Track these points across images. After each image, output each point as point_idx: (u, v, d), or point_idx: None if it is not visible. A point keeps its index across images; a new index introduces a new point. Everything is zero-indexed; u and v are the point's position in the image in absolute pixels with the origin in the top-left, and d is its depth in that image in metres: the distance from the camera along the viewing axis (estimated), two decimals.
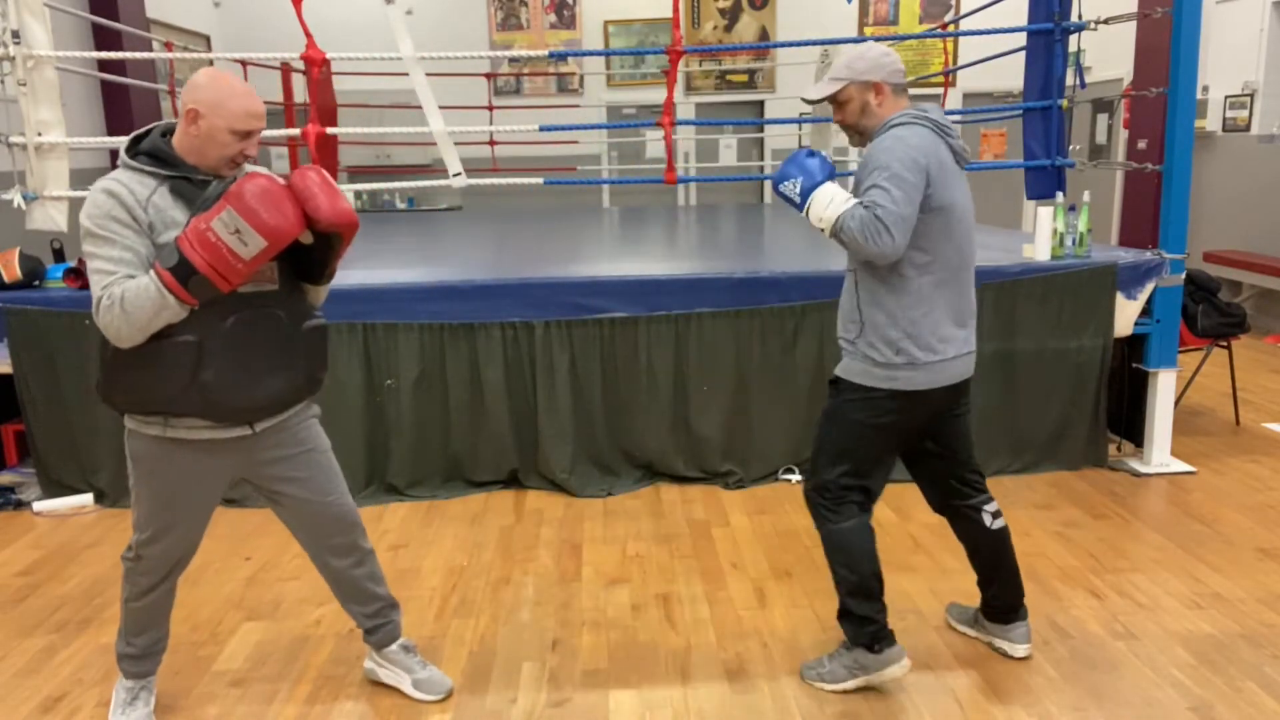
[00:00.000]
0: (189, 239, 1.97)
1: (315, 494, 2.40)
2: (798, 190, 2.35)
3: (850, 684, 2.52)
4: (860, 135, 2.43)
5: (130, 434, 2.23)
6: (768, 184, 9.93)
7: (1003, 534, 2.62)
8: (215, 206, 1.99)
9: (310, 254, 2.21)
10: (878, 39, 9.14)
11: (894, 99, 2.39)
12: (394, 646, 2.59)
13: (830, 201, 2.30)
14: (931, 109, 2.38)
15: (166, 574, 2.35)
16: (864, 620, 2.48)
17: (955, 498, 2.62)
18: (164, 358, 2.07)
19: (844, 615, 2.52)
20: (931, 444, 2.56)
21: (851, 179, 2.41)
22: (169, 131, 2.15)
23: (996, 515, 2.61)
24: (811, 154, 2.40)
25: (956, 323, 2.41)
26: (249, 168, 2.21)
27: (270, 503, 2.43)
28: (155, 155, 2.10)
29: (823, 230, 2.32)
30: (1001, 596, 2.67)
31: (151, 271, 1.99)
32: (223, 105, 2.07)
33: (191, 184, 2.10)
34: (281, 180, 2.06)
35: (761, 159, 9.90)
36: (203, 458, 2.22)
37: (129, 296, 1.98)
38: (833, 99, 2.41)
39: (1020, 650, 2.67)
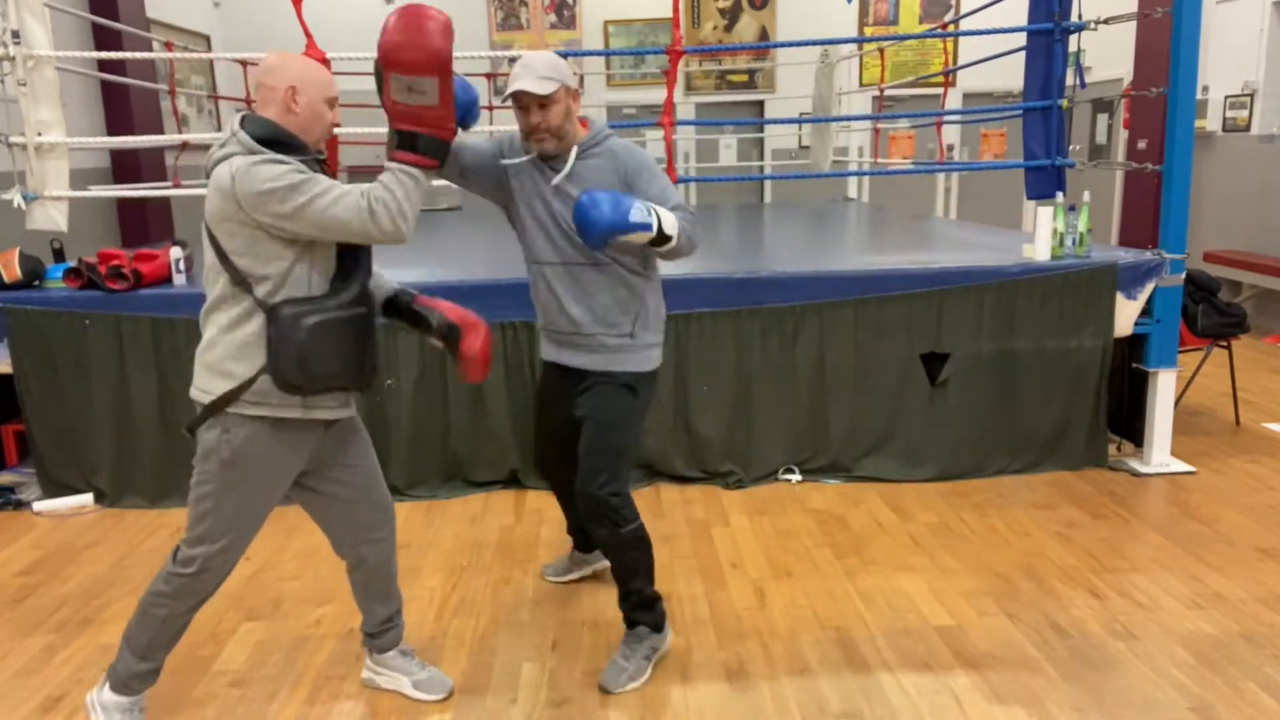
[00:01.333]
0: (392, 119, 2.07)
1: (368, 482, 2.43)
2: (647, 212, 2.35)
3: (649, 671, 2.64)
4: (559, 140, 2.48)
5: (235, 430, 2.12)
6: (768, 184, 9.94)
7: None
8: (383, 86, 2.08)
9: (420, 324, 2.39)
10: (878, 39, 9.15)
11: (578, 108, 2.57)
12: (393, 651, 2.59)
13: (668, 214, 2.40)
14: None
15: (217, 586, 2.29)
16: (656, 602, 2.68)
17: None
18: (356, 327, 2.15)
19: (643, 606, 2.65)
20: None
21: (646, 174, 2.50)
22: (254, 120, 2.13)
23: None
24: (595, 194, 2.36)
25: None
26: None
27: (315, 498, 2.38)
28: (281, 140, 2.09)
29: (671, 239, 2.39)
30: (582, 528, 3.04)
31: (387, 165, 2.07)
32: (312, 76, 2.12)
33: (318, 165, 2.16)
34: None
35: (761, 159, 9.89)
36: (305, 443, 2.23)
37: (389, 195, 2.04)
38: (541, 100, 2.41)
39: (601, 565, 3.10)
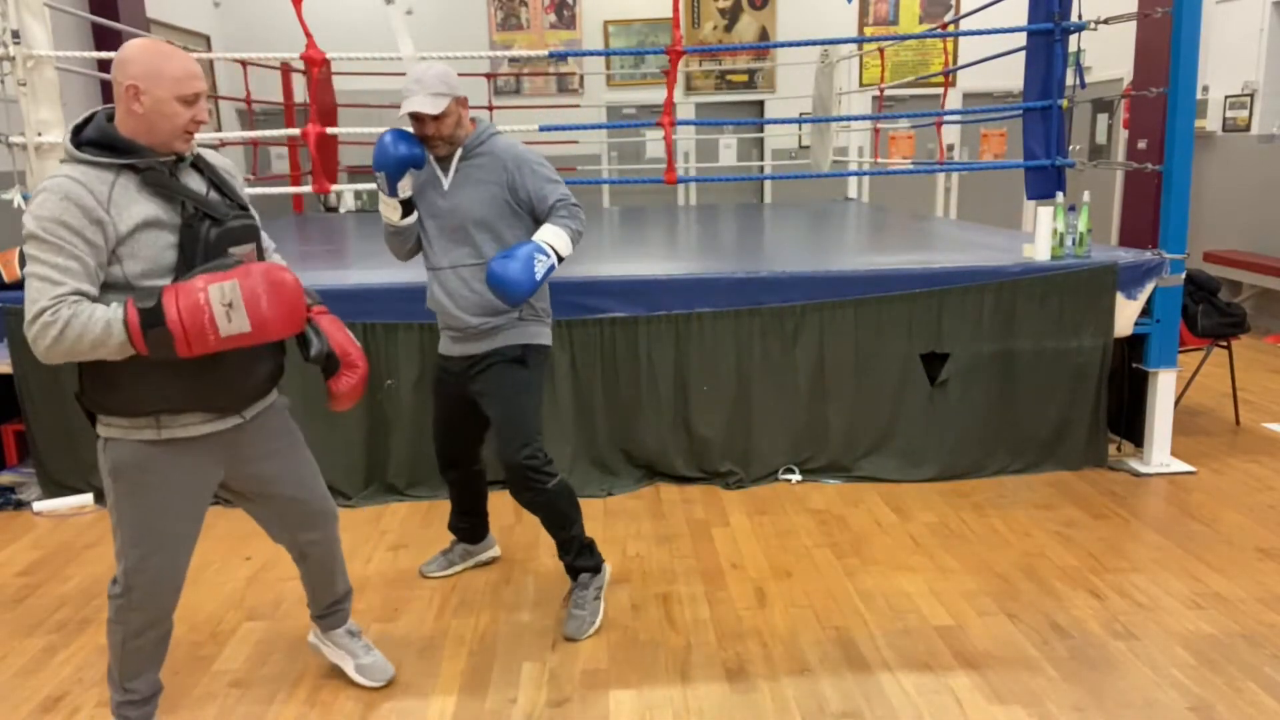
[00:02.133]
0: (175, 291, 1.87)
1: (298, 488, 2.35)
2: (545, 256, 2.57)
3: (601, 607, 2.92)
4: (451, 144, 2.71)
5: (109, 445, 2.08)
6: (768, 184, 9.94)
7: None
8: (223, 273, 1.90)
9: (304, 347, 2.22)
10: (878, 39, 9.15)
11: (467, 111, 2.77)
12: (341, 630, 2.64)
13: (555, 233, 2.63)
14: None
15: (162, 605, 2.20)
16: (591, 545, 2.94)
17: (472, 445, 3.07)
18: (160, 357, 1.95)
19: (582, 553, 2.91)
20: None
21: (528, 167, 2.72)
22: (112, 116, 1.99)
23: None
24: (505, 254, 2.57)
25: None
26: (201, 151, 2.12)
27: (248, 501, 2.33)
28: (105, 144, 1.94)
29: (567, 252, 2.64)
30: (475, 523, 3.26)
31: (120, 305, 1.87)
32: (160, 73, 1.92)
33: (153, 170, 1.96)
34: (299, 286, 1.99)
35: (761, 159, 9.90)
36: (194, 459, 2.11)
37: (75, 325, 1.84)
38: (434, 115, 2.64)
39: (495, 551, 3.35)
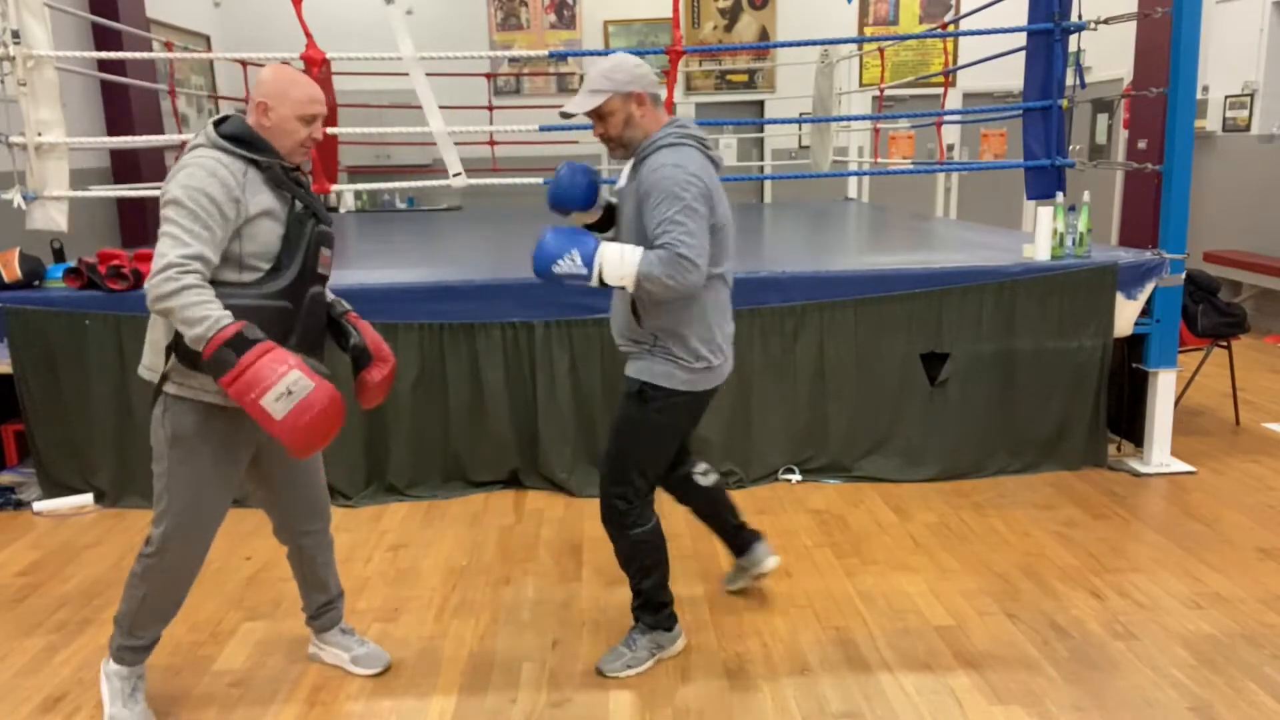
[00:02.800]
0: (270, 349, 2.06)
1: (307, 478, 2.53)
2: (580, 262, 2.31)
3: (649, 663, 2.67)
4: (624, 148, 2.45)
5: (173, 408, 2.23)
6: (768, 184, 9.94)
7: (719, 485, 2.94)
8: (310, 373, 2.08)
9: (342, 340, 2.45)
10: (878, 39, 9.14)
11: (654, 110, 2.44)
12: (334, 630, 2.72)
13: (621, 258, 2.30)
14: (689, 123, 2.44)
15: (190, 568, 2.37)
16: (663, 605, 2.68)
17: (677, 468, 2.83)
18: (266, 317, 2.16)
19: (648, 608, 2.67)
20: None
21: (656, 198, 2.31)
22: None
23: (706, 473, 2.89)
24: (558, 230, 2.35)
25: (730, 326, 2.60)
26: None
27: (259, 485, 2.49)
28: (245, 139, 2.20)
29: (623, 287, 2.32)
30: (737, 528, 2.97)
31: (229, 318, 2.06)
32: (287, 94, 2.22)
33: (280, 169, 2.24)
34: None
35: (761, 159, 9.89)
36: (245, 427, 2.28)
37: (188, 297, 2.04)
38: (595, 112, 2.41)
39: (771, 563, 2.98)
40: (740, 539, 2.99)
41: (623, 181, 2.53)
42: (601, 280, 2.32)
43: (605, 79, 2.37)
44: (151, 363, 2.29)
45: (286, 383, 2.04)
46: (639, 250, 2.30)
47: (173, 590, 2.38)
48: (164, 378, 2.25)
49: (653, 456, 2.59)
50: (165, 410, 2.26)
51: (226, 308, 2.09)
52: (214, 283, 2.13)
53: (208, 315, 2.05)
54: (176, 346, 2.18)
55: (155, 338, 2.27)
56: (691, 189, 2.29)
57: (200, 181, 2.10)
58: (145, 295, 2.09)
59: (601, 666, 2.65)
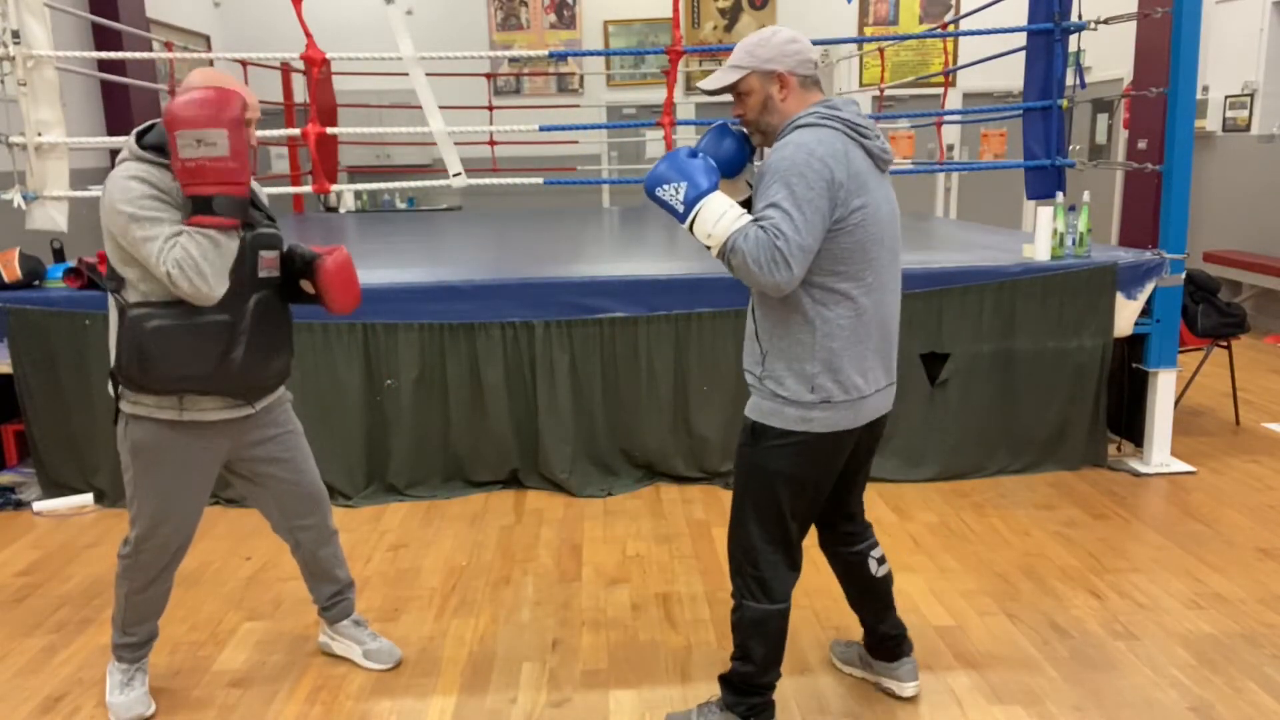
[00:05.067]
0: (184, 184, 2.07)
1: (295, 474, 2.53)
2: (681, 198, 2.01)
3: None
4: (763, 134, 2.18)
5: (131, 424, 2.27)
6: None
7: (888, 579, 2.45)
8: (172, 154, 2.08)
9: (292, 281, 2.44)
10: (878, 39, 9.14)
11: (801, 93, 2.12)
12: (346, 621, 2.73)
13: (721, 216, 1.98)
14: (844, 105, 2.10)
15: (165, 566, 2.42)
16: (752, 691, 2.25)
17: (840, 544, 2.41)
18: (201, 335, 2.18)
19: (731, 683, 2.27)
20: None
21: (769, 179, 2.02)
22: None
23: (881, 561, 2.42)
24: (693, 153, 2.07)
25: (878, 352, 2.12)
26: None
27: (248, 485, 2.51)
28: (165, 148, 2.16)
29: (709, 248, 2.02)
30: (887, 635, 2.48)
31: (184, 231, 2.09)
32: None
33: None
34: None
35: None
36: (206, 440, 2.32)
37: (185, 255, 2.06)
38: (733, 90, 2.14)
39: (908, 689, 2.48)
40: (889, 647, 2.50)
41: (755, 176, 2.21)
42: (692, 227, 2.02)
43: (747, 54, 2.09)
44: (107, 381, 2.33)
45: (191, 152, 2.05)
46: (745, 218, 1.98)
47: (152, 584, 2.42)
48: (117, 396, 2.28)
49: (769, 511, 2.14)
50: (125, 425, 2.29)
51: (156, 329, 2.12)
52: (141, 304, 2.15)
53: (187, 243, 2.08)
54: (119, 370, 2.21)
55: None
56: (811, 173, 1.95)
57: (135, 190, 2.10)
58: (188, 292, 2.09)
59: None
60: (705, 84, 2.18)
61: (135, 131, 2.21)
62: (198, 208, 2.08)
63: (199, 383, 2.23)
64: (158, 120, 2.22)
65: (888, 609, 2.47)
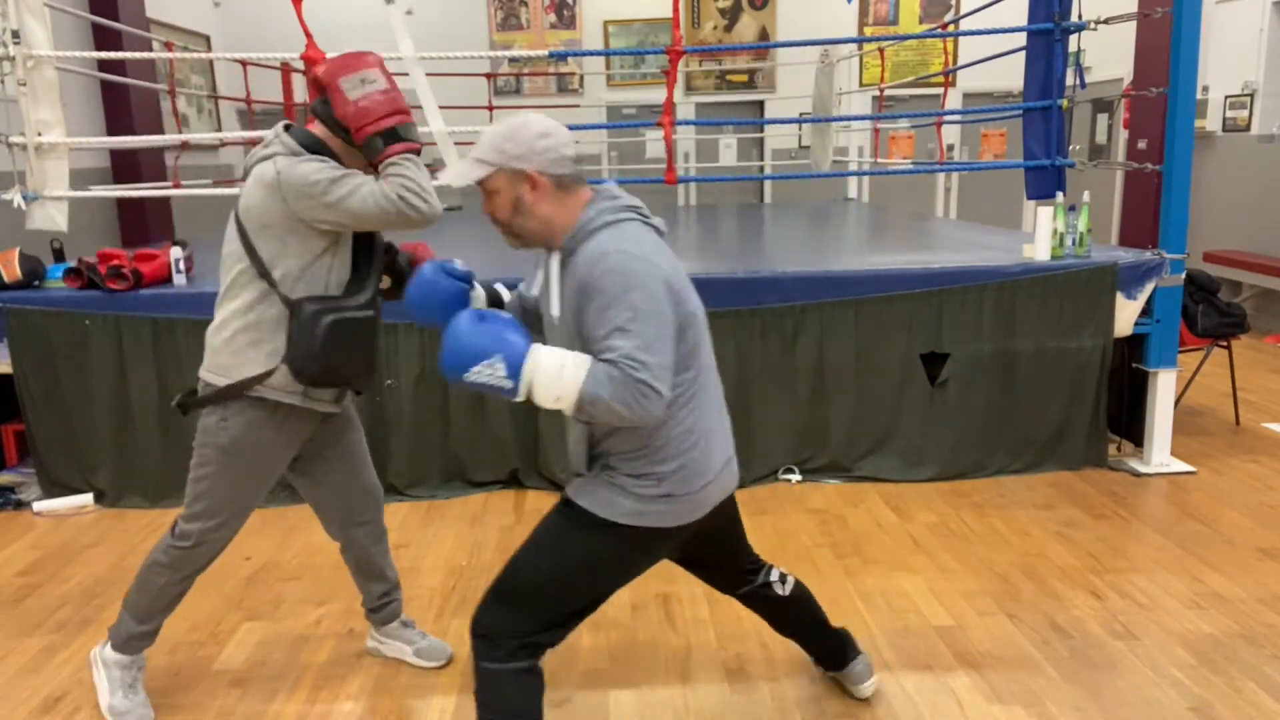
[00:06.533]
0: (360, 126, 2.13)
1: (355, 469, 2.54)
2: (503, 372, 1.74)
3: None
4: (518, 237, 1.92)
5: (233, 418, 2.24)
6: (768, 184, 9.94)
7: (797, 594, 2.35)
8: (335, 107, 2.16)
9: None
10: (878, 39, 9.15)
11: (558, 194, 1.87)
12: (395, 623, 2.73)
13: (560, 370, 1.73)
14: (620, 192, 1.92)
15: (212, 559, 2.44)
16: None
17: (740, 586, 2.33)
18: (366, 328, 2.25)
19: None
20: (706, 558, 2.26)
21: (602, 300, 1.75)
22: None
23: (783, 579, 2.34)
24: (480, 316, 1.79)
25: (720, 431, 2.04)
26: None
27: (308, 481, 2.52)
28: (320, 153, 2.21)
29: (559, 408, 1.76)
30: (827, 646, 2.45)
31: (384, 166, 2.15)
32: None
33: None
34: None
35: (761, 159, 9.90)
36: (299, 431, 2.34)
37: (406, 179, 2.12)
38: (482, 185, 1.90)
39: (866, 689, 2.46)
40: (830, 656, 2.48)
41: (540, 281, 2.02)
42: (532, 394, 1.76)
43: (494, 148, 1.86)
44: (221, 368, 2.24)
45: (359, 92, 2.13)
46: (585, 362, 1.74)
47: (189, 579, 2.44)
48: (241, 386, 2.22)
49: (554, 590, 1.94)
50: (223, 420, 2.25)
51: (333, 322, 2.18)
52: (310, 299, 2.19)
53: (395, 173, 2.15)
54: (293, 363, 2.20)
55: (224, 341, 2.23)
56: (649, 283, 1.75)
57: (312, 163, 2.16)
58: (424, 210, 2.15)
59: None
60: (449, 178, 1.93)
61: (282, 125, 2.24)
62: (386, 140, 2.13)
63: (360, 377, 2.30)
64: (289, 122, 2.27)
65: (817, 621, 2.41)
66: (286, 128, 2.23)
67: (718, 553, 2.26)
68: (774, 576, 2.33)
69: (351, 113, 2.12)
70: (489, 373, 1.74)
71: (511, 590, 1.94)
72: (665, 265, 1.81)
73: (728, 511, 2.16)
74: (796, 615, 2.39)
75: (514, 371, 1.74)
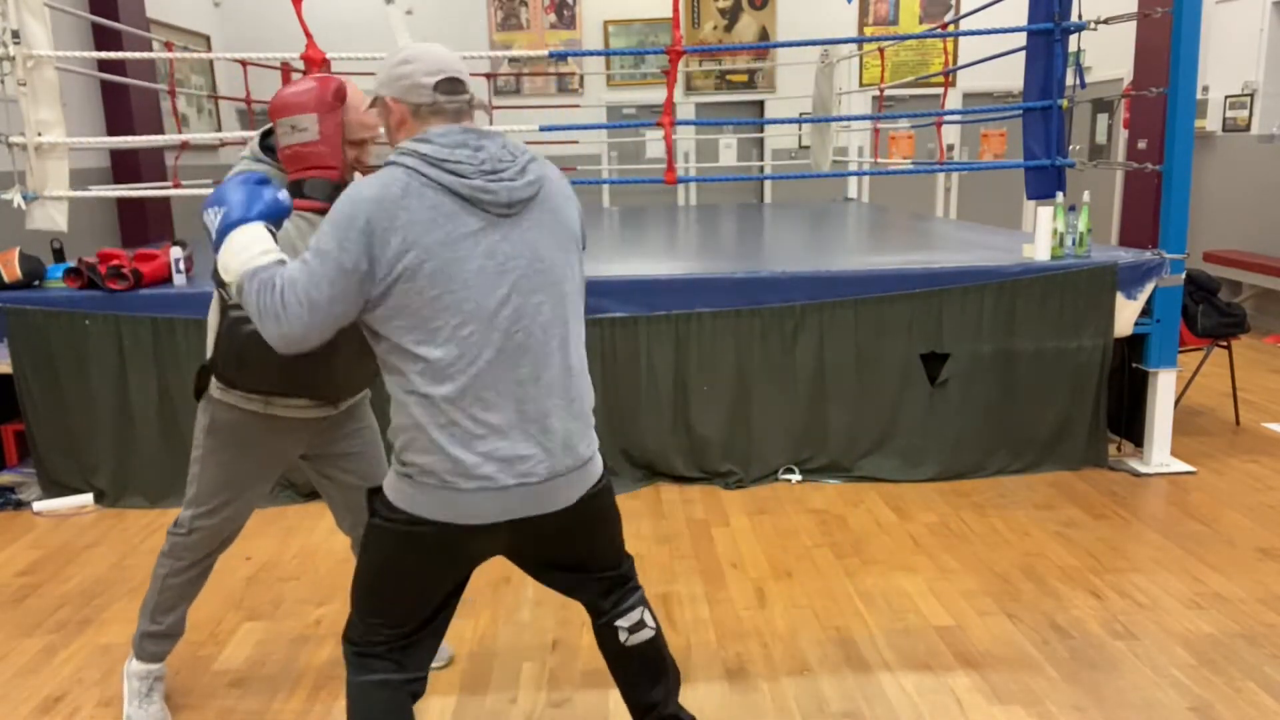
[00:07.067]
0: (284, 169, 2.12)
1: (369, 469, 2.52)
2: (218, 223, 1.76)
3: None
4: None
5: (215, 404, 2.28)
6: (768, 184, 9.94)
7: (648, 650, 2.00)
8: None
9: None
10: (878, 39, 9.15)
11: (415, 124, 1.76)
12: None
13: (244, 249, 1.72)
14: (441, 135, 1.71)
15: (211, 552, 2.44)
16: None
17: (596, 615, 2.04)
18: None
19: None
20: (559, 576, 2.07)
21: None
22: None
23: (635, 629, 1.98)
24: (261, 180, 1.81)
25: (521, 432, 1.73)
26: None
27: (321, 479, 2.52)
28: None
29: (228, 280, 1.75)
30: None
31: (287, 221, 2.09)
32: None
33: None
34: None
35: (761, 159, 9.90)
36: (285, 434, 2.33)
37: (284, 239, 2.02)
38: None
39: None
40: None
41: None
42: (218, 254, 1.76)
43: (376, 76, 1.83)
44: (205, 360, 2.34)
45: (288, 139, 2.11)
46: (271, 257, 1.72)
47: (189, 570, 2.44)
48: (207, 380, 2.30)
49: (366, 591, 1.86)
50: (208, 404, 2.31)
51: (251, 332, 2.09)
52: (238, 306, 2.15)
53: (301, 220, 2.10)
54: (213, 364, 2.24)
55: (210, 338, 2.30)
56: (339, 222, 1.65)
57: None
58: None
59: None
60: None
61: (260, 132, 2.25)
62: (293, 192, 2.10)
63: (293, 388, 2.26)
64: (271, 127, 2.27)
65: (652, 685, 2.01)
66: (265, 134, 2.24)
67: (557, 579, 2.07)
68: (629, 618, 1.98)
69: (282, 159, 2.12)
70: (212, 216, 1.79)
71: (354, 587, 1.91)
72: (375, 215, 1.64)
73: (576, 535, 1.94)
74: (634, 675, 2.02)
75: (226, 228, 1.76)
